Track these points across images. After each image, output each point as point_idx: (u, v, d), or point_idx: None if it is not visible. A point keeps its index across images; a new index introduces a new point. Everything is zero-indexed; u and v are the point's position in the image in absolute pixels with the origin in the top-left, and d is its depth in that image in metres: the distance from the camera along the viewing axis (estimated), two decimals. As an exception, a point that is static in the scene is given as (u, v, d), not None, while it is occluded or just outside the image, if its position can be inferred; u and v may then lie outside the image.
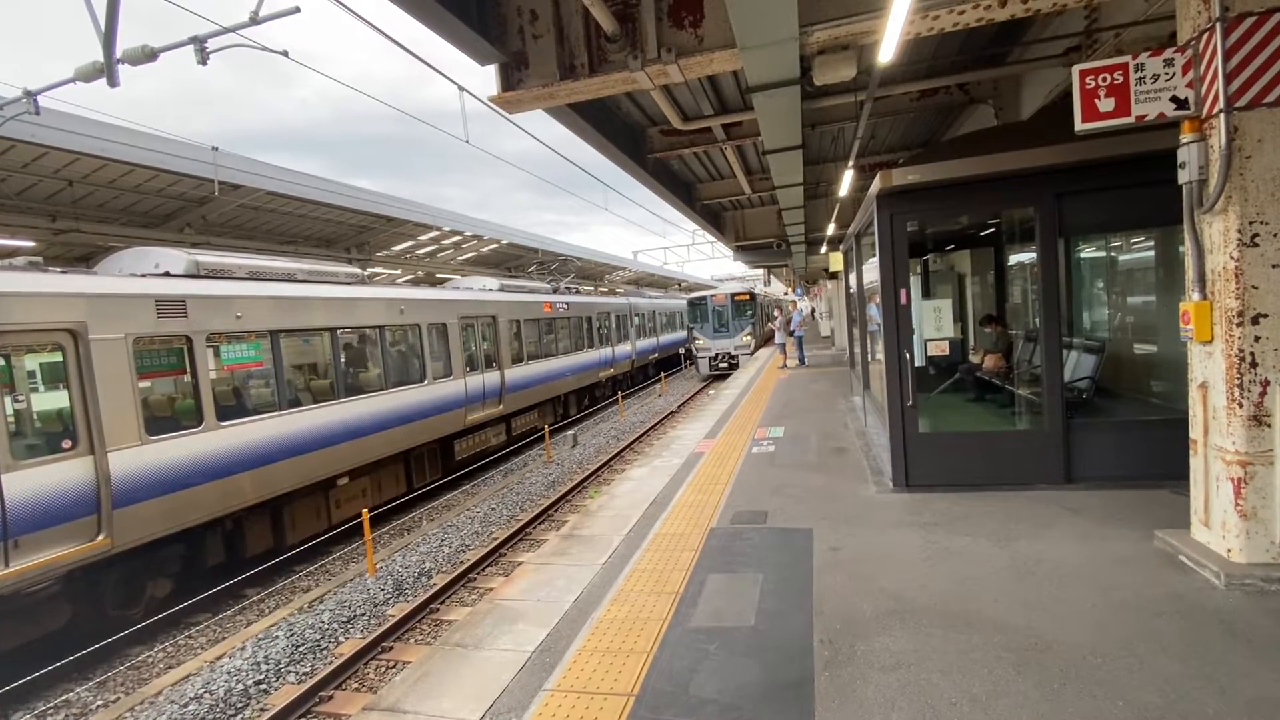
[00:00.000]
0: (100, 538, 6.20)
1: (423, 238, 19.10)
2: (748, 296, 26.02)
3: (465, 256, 22.65)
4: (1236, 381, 3.79)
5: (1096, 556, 4.27)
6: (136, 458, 6.59)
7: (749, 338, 25.55)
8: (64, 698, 5.90)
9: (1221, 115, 3.75)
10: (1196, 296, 4.02)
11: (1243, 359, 3.77)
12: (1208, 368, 4.01)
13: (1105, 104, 4.13)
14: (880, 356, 6.39)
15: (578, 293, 21.20)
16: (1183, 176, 4.02)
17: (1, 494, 5.54)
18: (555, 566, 5.31)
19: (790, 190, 11.34)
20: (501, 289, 15.70)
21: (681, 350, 31.31)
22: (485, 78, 5.91)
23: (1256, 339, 3.76)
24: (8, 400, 5.93)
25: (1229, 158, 3.74)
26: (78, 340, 6.25)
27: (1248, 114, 3.72)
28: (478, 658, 4.07)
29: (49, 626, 6.18)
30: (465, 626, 4.54)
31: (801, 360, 18.95)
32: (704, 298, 26.55)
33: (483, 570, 8.14)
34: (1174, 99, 4.01)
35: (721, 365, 25.30)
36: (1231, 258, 3.78)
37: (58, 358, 6.27)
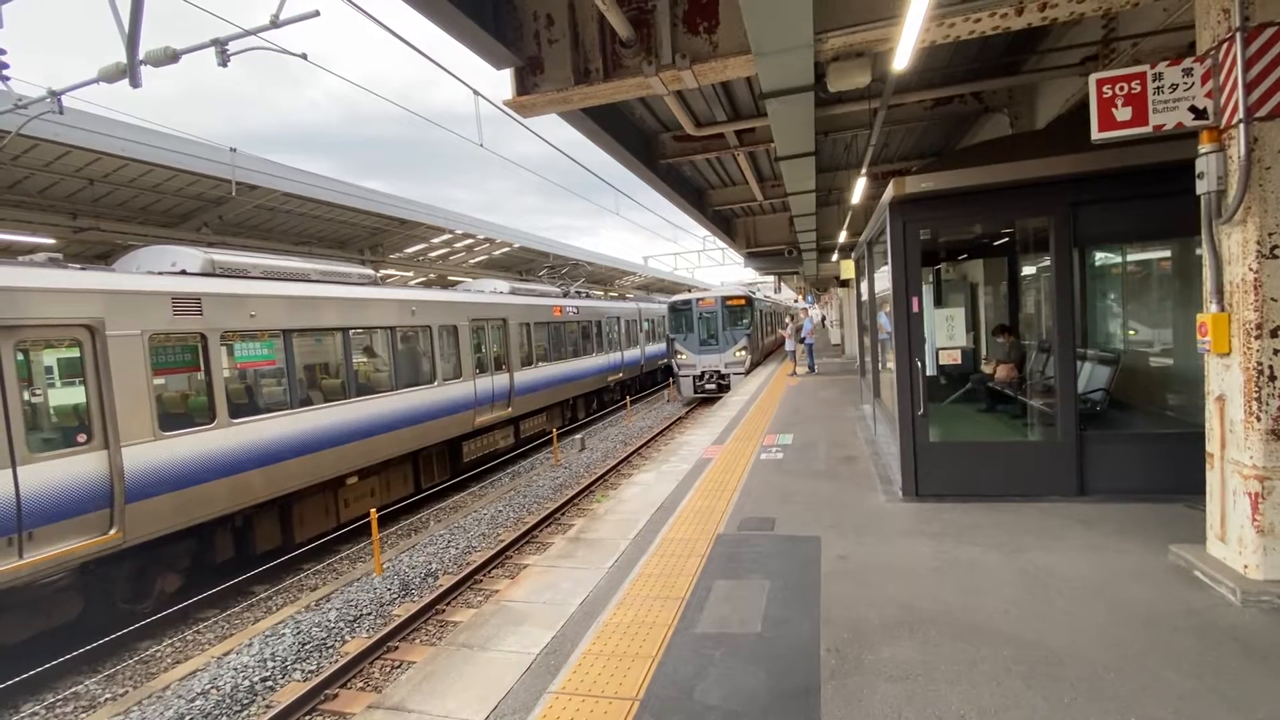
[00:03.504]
0: (112, 531, 6.27)
1: (435, 240, 19.24)
2: (743, 302, 21.40)
3: (477, 259, 22.79)
4: (1255, 395, 3.74)
5: (1109, 570, 4.21)
6: (150, 453, 6.66)
7: (743, 352, 20.91)
8: (73, 690, 5.96)
9: (1241, 125, 3.71)
10: (1214, 308, 3.97)
11: (1261, 372, 3.72)
12: (1225, 381, 3.95)
13: (1122, 113, 4.10)
14: (891, 365, 6.35)
15: (588, 297, 21.24)
16: (1201, 187, 3.98)
17: (17, 486, 5.61)
18: (561, 569, 5.30)
19: (802, 197, 11.33)
20: (512, 292, 15.76)
21: None
22: (496, 81, 5.99)
23: (1275, 352, 3.70)
24: (25, 394, 6.01)
25: (1248, 168, 3.70)
26: (95, 336, 6.34)
27: (1268, 124, 3.68)
28: (483, 659, 4.07)
29: (60, 619, 6.25)
30: (471, 628, 4.54)
31: (811, 367, 18.88)
32: (689, 301, 21.89)
33: (489, 572, 8.15)
34: (1192, 109, 3.97)
35: (709, 386, 21.16)
36: (1250, 269, 3.73)
37: (75, 353, 6.35)
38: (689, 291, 23.92)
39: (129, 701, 5.69)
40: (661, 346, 26.70)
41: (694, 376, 21.37)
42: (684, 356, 21.47)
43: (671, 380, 23.00)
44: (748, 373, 20.51)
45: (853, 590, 4.20)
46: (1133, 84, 4.06)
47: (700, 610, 4.09)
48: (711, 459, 8.38)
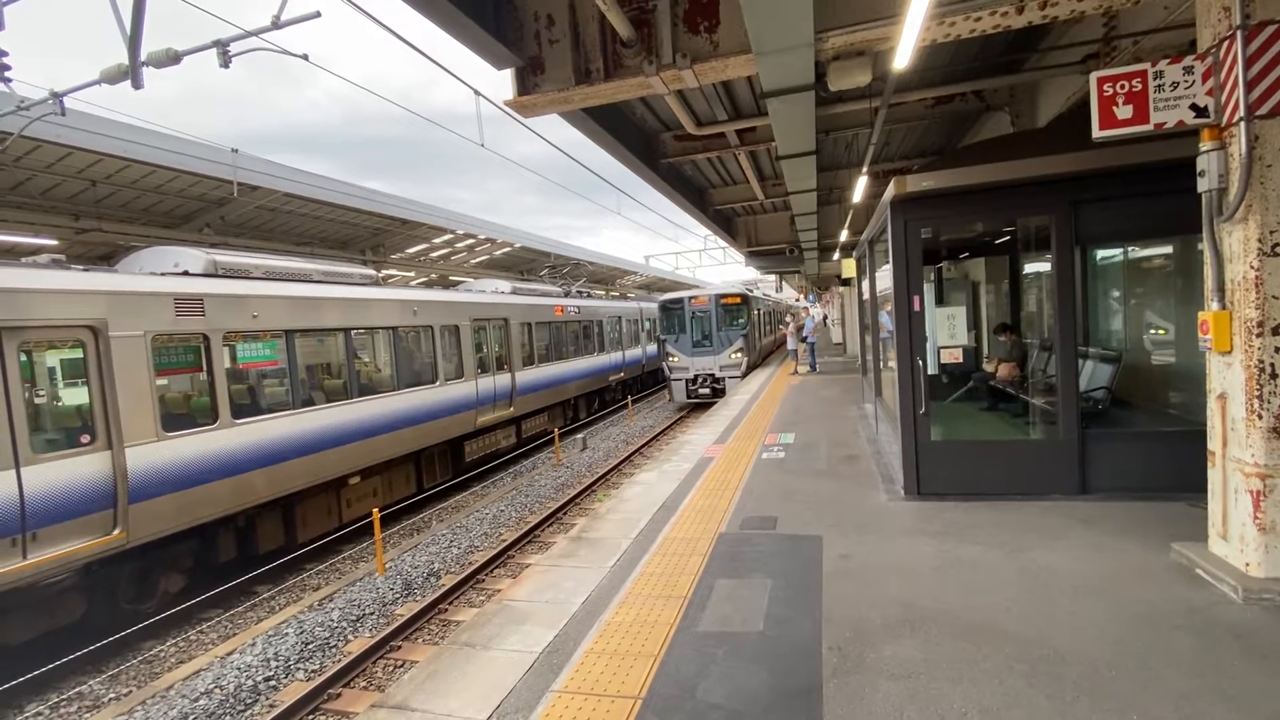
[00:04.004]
0: (116, 532, 6.29)
1: (436, 240, 19.26)
2: (738, 300, 20.00)
3: (478, 259, 22.80)
4: (1256, 393, 3.73)
5: (1111, 568, 4.21)
6: (153, 453, 6.68)
7: (739, 354, 19.55)
8: (77, 690, 5.98)
9: (1242, 123, 3.71)
10: (1215, 306, 3.97)
11: (1263, 370, 3.72)
12: (1227, 378, 3.95)
13: (1123, 111, 4.10)
14: (893, 364, 6.35)
15: (589, 297, 21.22)
16: (1202, 185, 3.98)
17: (21, 487, 5.63)
18: (563, 569, 5.31)
19: (803, 196, 11.32)
20: (514, 292, 15.77)
21: None
22: (497, 81, 6.00)
23: (1277, 350, 3.70)
24: (28, 395, 6.03)
25: (1249, 166, 3.70)
26: (98, 337, 6.36)
27: (1269, 122, 3.68)
28: (485, 658, 4.07)
29: (64, 619, 6.27)
30: (473, 627, 4.55)
31: (813, 366, 18.87)
32: (680, 300, 20.35)
33: (491, 571, 8.17)
34: (1193, 107, 3.97)
35: (702, 391, 19.68)
36: (1251, 267, 3.73)
37: (78, 354, 6.37)
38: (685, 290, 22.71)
39: (133, 701, 5.71)
40: None
41: (686, 380, 19.92)
42: (676, 359, 19.98)
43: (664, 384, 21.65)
44: (744, 376, 19.16)
45: (854, 589, 4.21)
46: (1134, 82, 4.06)
47: (702, 609, 4.10)
48: (713, 458, 8.39)
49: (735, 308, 19.94)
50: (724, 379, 19.32)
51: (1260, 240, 3.69)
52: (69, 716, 5.68)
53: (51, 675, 5.98)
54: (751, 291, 22.62)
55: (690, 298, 20.18)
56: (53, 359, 7.14)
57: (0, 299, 5.70)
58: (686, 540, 5.38)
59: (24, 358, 6.01)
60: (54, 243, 11.30)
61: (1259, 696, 2.89)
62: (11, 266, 6.11)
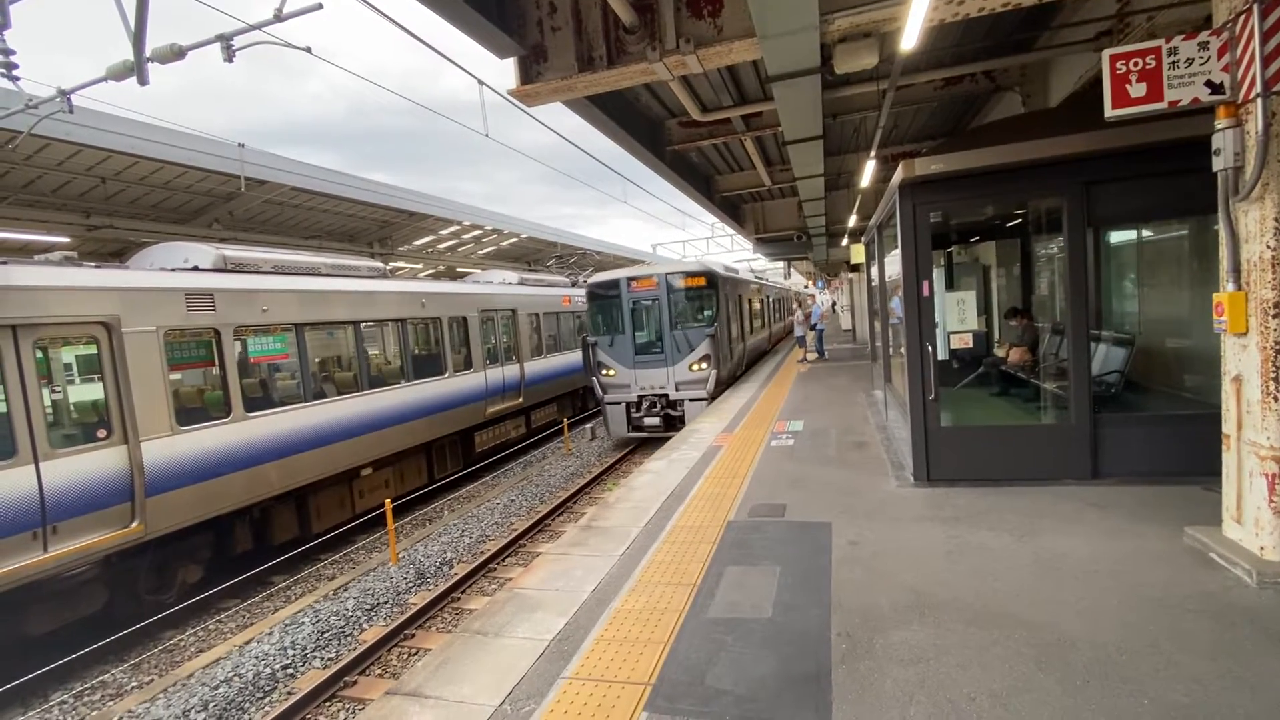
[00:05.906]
0: (134, 524, 6.39)
1: (443, 232, 19.29)
2: (702, 282, 13.26)
3: (485, 251, 22.83)
4: (1272, 375, 3.68)
5: (1123, 553, 4.19)
6: (168, 447, 6.77)
7: (703, 365, 12.87)
8: (100, 678, 6.11)
9: (1259, 100, 3.62)
10: (1231, 287, 3.90)
11: (1278, 352, 3.66)
12: (1242, 361, 3.89)
13: (1137, 89, 4.01)
14: (902, 350, 6.31)
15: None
16: (1217, 163, 3.90)
17: (40, 481, 5.73)
18: (574, 557, 5.34)
19: (811, 181, 11.22)
20: (521, 283, 15.77)
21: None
22: (501, 70, 5.97)
23: (1293, 331, 3.64)
24: (45, 391, 6.12)
25: (1266, 143, 3.62)
26: (111, 333, 6.43)
27: (1287, 98, 3.59)
28: (497, 645, 4.11)
29: (86, 610, 6.40)
30: (485, 615, 4.59)
31: (821, 353, 18.80)
32: (616, 283, 13.40)
33: (502, 560, 8.24)
34: (1209, 84, 3.88)
35: (649, 421, 13.07)
36: (1268, 247, 3.66)
37: (92, 350, 6.45)
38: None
39: (155, 690, 5.83)
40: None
41: (627, 404, 13.28)
42: (611, 373, 13.27)
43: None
44: (712, 399, 12.75)
45: (864, 575, 4.21)
46: (1147, 59, 3.98)
47: (712, 596, 4.12)
48: (722, 447, 8.39)
49: (698, 293, 13.31)
50: (681, 401, 12.97)
51: (1277, 219, 3.61)
52: (93, 705, 5.81)
53: (75, 665, 6.13)
54: (731, 271, 16.55)
55: (630, 279, 13.37)
56: (68, 355, 7.24)
57: (15, 297, 5.78)
58: (695, 528, 5.40)
59: (40, 354, 6.08)
60: (66, 240, 11.42)
61: (1273, 680, 2.87)
62: (25, 264, 6.18)
